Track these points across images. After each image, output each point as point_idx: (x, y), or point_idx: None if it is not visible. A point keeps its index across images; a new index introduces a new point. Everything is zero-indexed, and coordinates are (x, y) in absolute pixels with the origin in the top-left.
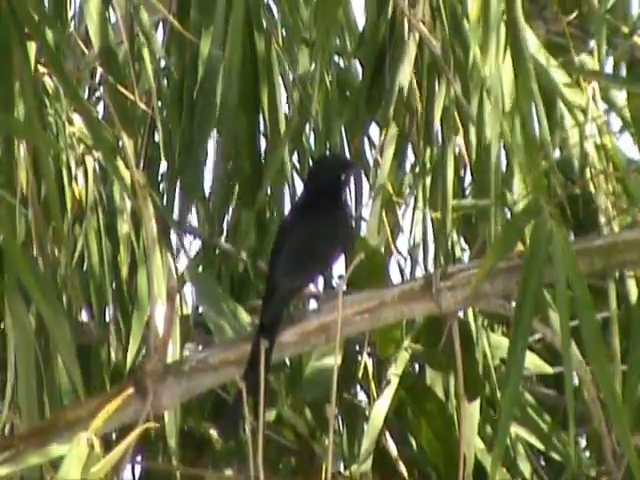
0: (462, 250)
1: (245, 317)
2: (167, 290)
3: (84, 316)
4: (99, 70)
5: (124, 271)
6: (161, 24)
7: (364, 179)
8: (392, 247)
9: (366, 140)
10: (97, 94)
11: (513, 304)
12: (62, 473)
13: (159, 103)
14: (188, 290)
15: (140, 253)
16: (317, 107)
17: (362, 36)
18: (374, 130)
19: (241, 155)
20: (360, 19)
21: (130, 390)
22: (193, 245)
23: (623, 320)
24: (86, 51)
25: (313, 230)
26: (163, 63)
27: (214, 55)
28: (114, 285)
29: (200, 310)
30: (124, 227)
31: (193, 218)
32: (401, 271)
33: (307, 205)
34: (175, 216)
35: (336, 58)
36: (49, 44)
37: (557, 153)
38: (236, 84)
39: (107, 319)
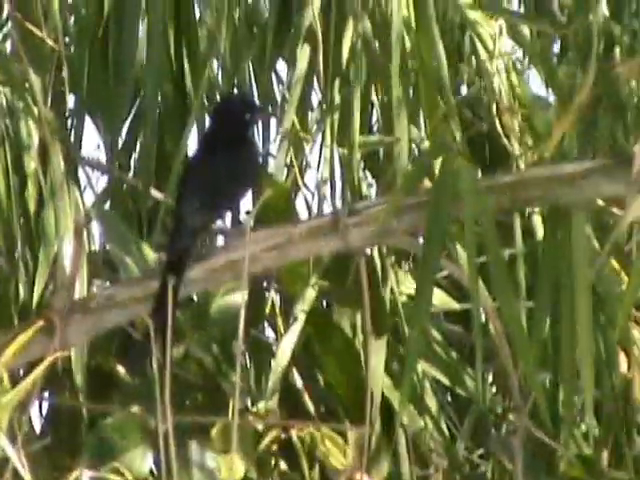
0: (369, 186)
1: (151, 254)
2: (74, 226)
3: None
4: (6, 6)
5: (32, 207)
6: None
7: (271, 116)
8: (300, 183)
9: (274, 76)
10: (4, 30)
11: (420, 240)
12: None
13: (67, 39)
14: (96, 226)
15: (47, 189)
16: (225, 43)
17: None
18: (281, 66)
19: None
20: None
21: (37, 326)
22: (101, 181)
23: (529, 256)
24: None
25: (220, 166)
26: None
27: None
28: (21, 221)
29: (107, 247)
30: (31, 163)
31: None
32: (308, 208)
33: (214, 142)
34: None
35: None
36: None
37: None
38: (159, 17)
39: (15, 255)
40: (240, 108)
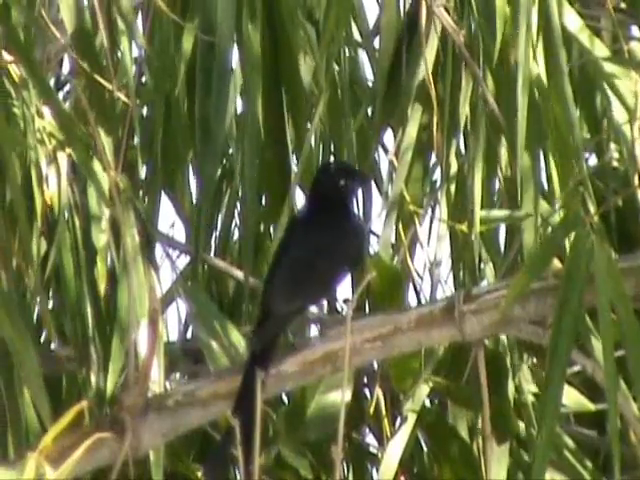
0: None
1: (239, 340)
2: (150, 311)
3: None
4: (67, 59)
5: (102, 287)
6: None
7: (375, 190)
8: (409, 265)
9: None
10: (66, 87)
11: (548, 330)
12: None
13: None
14: (173, 312)
15: (120, 267)
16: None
17: (377, 27)
18: (387, 135)
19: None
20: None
21: (106, 427)
22: (179, 261)
23: None
24: (58, 35)
25: (315, 245)
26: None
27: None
28: (91, 304)
29: (188, 335)
30: (101, 237)
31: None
32: (417, 293)
33: (310, 218)
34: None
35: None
36: (15, 27)
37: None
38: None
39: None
40: (335, 175)
